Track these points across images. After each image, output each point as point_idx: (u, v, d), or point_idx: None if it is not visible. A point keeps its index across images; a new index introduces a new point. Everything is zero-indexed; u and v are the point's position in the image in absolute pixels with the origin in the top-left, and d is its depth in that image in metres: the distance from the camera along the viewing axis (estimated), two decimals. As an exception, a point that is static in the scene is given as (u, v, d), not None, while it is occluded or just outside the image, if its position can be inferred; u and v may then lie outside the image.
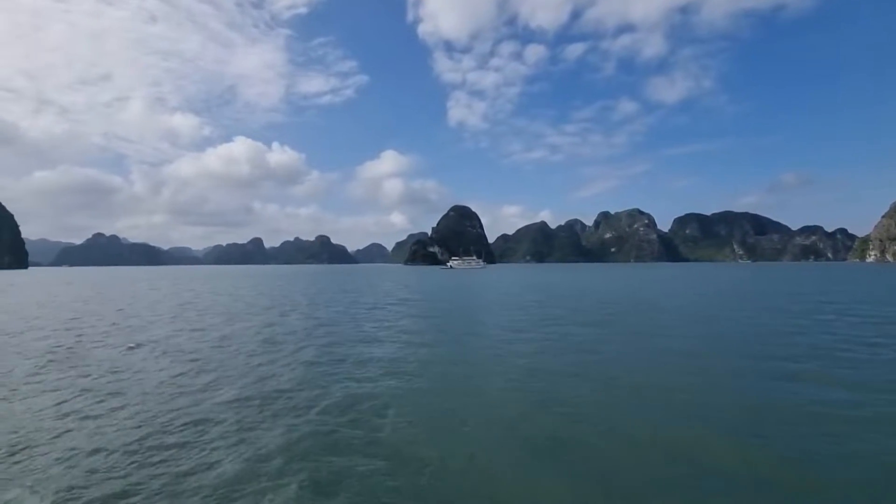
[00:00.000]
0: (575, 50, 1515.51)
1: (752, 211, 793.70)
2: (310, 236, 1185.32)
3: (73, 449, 8.40)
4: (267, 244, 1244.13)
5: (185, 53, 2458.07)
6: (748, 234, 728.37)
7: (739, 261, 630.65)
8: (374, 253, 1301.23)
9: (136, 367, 14.89)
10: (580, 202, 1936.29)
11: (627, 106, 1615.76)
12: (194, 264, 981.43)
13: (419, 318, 27.88)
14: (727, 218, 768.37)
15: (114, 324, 25.25)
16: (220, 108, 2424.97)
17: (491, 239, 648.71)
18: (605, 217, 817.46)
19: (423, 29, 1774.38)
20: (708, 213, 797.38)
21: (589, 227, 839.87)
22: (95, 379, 13.39)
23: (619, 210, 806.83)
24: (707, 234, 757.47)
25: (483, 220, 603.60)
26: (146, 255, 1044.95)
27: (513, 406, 10.62)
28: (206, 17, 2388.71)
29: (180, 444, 8.52)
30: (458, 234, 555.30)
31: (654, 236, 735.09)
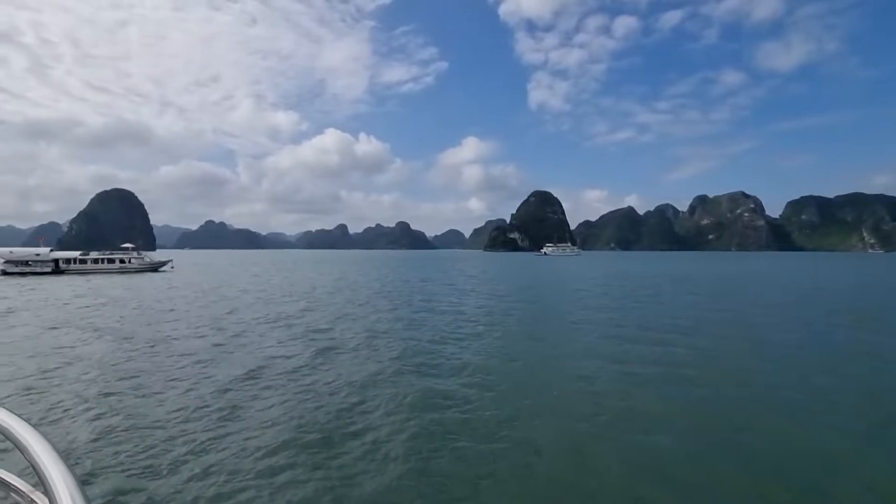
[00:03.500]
0: (671, 18, 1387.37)
1: (888, 193, 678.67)
2: (390, 222, 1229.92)
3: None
4: (351, 230, 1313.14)
5: (281, 51, 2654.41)
6: (883, 219, 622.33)
7: (870, 250, 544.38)
8: (451, 239, 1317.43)
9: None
10: (672, 186, 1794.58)
11: (731, 77, 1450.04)
12: (287, 248, 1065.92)
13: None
14: (855, 200, 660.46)
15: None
16: (310, 102, 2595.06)
17: (572, 225, 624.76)
18: (701, 201, 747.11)
19: (504, 9, 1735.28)
20: (829, 195, 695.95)
21: (682, 212, 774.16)
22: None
23: (719, 193, 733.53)
24: (829, 220, 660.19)
25: (564, 206, 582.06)
26: (248, 239, 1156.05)
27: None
28: (299, 15, 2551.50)
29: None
30: (538, 221, 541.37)
31: (761, 222, 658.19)
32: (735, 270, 73.40)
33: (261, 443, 7.83)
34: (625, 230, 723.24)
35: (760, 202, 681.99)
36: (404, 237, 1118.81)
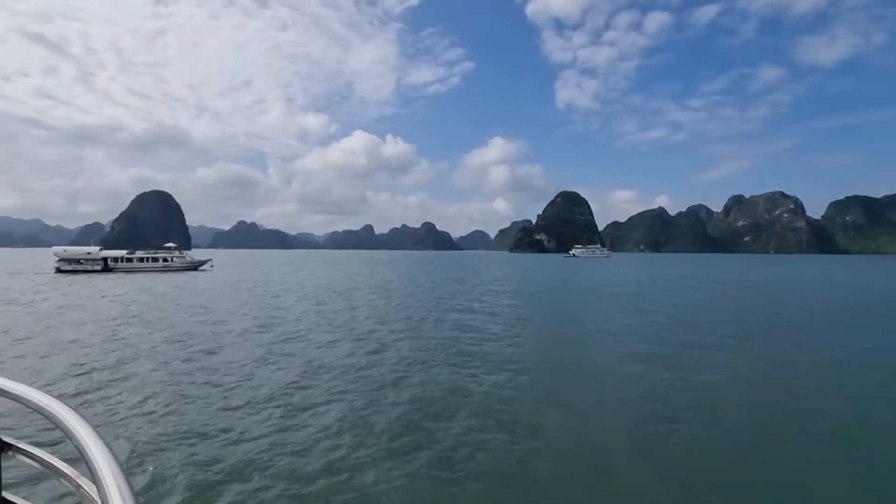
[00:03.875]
0: (706, 13, 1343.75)
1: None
2: (416, 223, 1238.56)
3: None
4: (377, 230, 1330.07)
5: (310, 56, 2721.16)
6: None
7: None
8: (476, 240, 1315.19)
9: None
10: (705, 186, 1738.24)
11: (770, 73, 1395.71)
12: (316, 248, 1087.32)
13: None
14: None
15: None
16: (339, 104, 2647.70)
17: (600, 226, 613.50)
18: (737, 202, 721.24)
19: (531, 8, 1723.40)
20: (877, 195, 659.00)
21: (717, 213, 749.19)
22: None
23: (756, 194, 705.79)
24: (876, 222, 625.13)
25: (591, 207, 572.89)
26: (278, 240, 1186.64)
27: None
28: (328, 19, 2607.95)
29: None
30: (565, 222, 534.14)
31: (801, 223, 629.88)
32: (779, 274, 70.43)
33: (320, 448, 7.71)
34: (655, 231, 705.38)
35: (801, 202, 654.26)
36: (429, 238, 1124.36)
